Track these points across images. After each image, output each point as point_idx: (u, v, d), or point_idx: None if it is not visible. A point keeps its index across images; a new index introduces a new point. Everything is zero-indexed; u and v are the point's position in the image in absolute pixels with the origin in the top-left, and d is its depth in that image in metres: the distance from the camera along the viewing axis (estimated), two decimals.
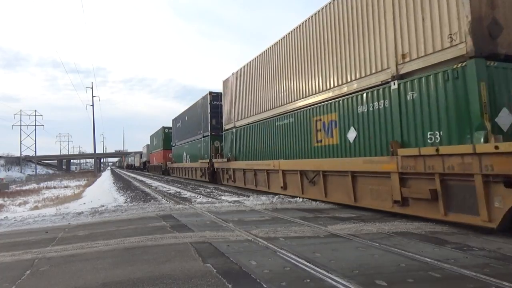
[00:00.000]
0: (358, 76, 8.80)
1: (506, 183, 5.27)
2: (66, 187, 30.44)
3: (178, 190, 17.20)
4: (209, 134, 21.16)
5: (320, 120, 10.26)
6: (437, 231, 6.01)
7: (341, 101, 9.36)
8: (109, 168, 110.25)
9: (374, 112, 8.17)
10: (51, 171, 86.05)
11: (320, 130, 10.25)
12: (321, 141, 10.23)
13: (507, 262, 4.27)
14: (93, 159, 68.40)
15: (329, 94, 9.94)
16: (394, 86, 7.60)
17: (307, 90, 11.12)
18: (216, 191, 15.49)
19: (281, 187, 12.25)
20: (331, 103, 9.77)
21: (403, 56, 7.45)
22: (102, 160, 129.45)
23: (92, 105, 48.59)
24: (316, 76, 10.59)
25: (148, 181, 26.90)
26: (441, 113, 6.57)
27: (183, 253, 5.05)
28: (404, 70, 7.45)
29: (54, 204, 14.45)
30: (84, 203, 12.63)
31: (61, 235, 6.79)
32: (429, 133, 6.80)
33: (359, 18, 8.78)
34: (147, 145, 53.09)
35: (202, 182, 22.13)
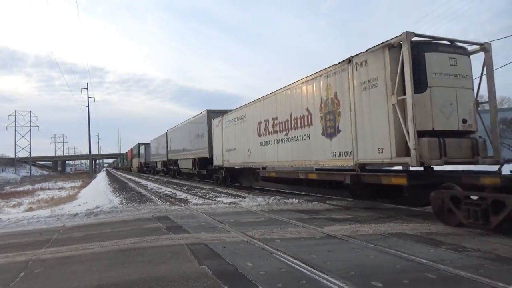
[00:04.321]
0: None
1: None
2: (61, 188, 30.24)
3: (174, 191, 17.14)
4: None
5: None
6: (433, 232, 6.03)
7: None
8: (104, 169, 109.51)
9: None
10: (46, 172, 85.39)
11: None
12: None
13: (502, 263, 4.28)
14: (88, 160, 67.99)
15: None
16: None
17: None
18: (212, 192, 15.45)
19: None
20: None
21: None
22: (97, 161, 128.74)
23: (88, 106, 48.50)
24: None
25: (144, 182, 26.78)
26: None
27: (178, 255, 5.03)
28: None
29: (49, 205, 14.33)
30: (79, 205, 12.55)
31: (56, 237, 6.74)
32: None
33: None
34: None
35: (199, 182, 21.66)
